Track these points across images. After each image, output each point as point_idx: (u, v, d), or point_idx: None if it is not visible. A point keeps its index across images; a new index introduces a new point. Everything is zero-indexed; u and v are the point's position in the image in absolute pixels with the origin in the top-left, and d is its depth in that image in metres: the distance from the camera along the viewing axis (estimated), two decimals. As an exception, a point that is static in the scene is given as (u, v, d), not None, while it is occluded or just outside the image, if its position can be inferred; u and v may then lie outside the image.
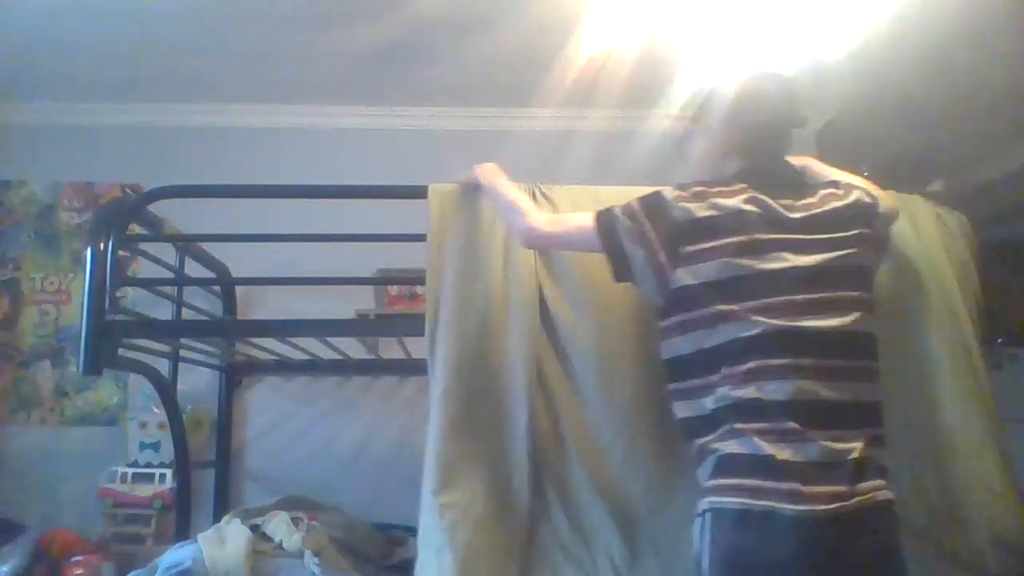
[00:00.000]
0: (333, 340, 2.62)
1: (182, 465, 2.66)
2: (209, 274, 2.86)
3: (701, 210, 1.50)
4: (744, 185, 1.54)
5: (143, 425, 2.94)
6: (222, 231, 2.32)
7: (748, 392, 1.40)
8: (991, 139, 3.76)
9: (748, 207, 1.50)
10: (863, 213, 1.60)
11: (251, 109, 3.25)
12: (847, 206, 1.59)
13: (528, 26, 2.53)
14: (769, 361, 1.41)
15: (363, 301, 2.84)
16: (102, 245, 1.95)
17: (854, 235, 1.54)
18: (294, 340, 2.55)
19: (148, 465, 2.89)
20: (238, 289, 3.01)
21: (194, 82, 3.08)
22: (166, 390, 2.60)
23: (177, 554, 2.04)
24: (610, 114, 3.19)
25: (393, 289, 3.07)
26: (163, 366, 2.76)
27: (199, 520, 2.60)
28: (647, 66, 2.70)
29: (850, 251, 1.52)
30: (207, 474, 2.95)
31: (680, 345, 1.52)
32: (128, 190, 3.13)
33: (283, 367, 2.94)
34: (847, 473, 1.35)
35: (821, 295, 1.46)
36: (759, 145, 1.67)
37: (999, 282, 3.99)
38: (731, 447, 1.40)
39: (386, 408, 3.09)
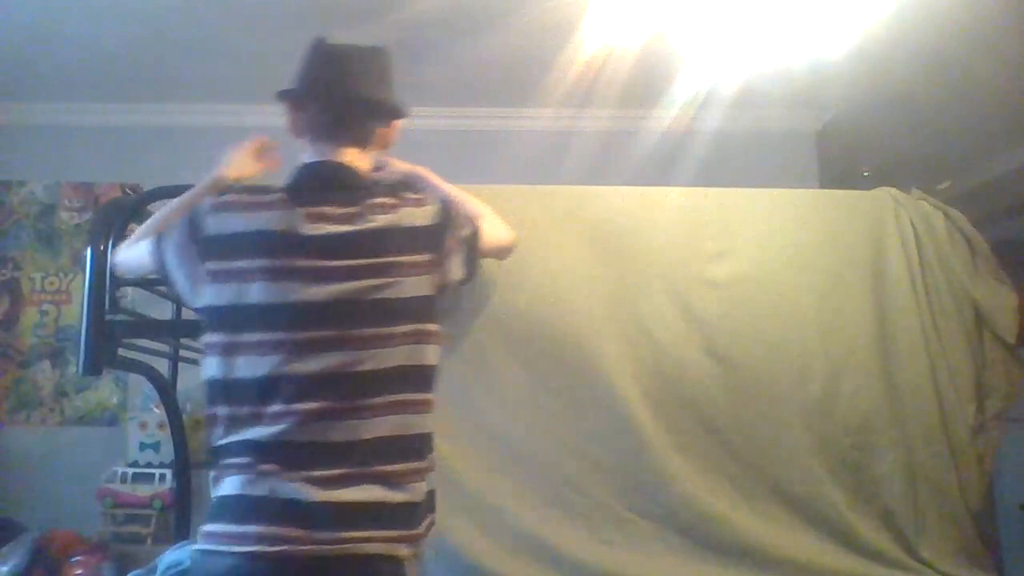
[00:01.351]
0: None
1: (182, 465, 2.66)
2: (209, 274, 2.85)
3: (227, 224, 1.34)
4: (282, 193, 1.36)
5: (143, 425, 2.94)
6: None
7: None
8: (991, 139, 3.77)
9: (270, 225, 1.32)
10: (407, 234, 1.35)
11: (251, 109, 3.24)
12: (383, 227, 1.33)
13: (528, 26, 2.53)
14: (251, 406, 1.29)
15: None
16: (102, 245, 1.95)
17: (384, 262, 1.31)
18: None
19: (148, 465, 2.89)
20: (238, 289, 3.01)
21: (194, 82, 3.08)
22: (166, 390, 2.59)
23: (177, 554, 2.04)
24: (610, 114, 3.19)
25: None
26: (163, 366, 2.75)
27: (199, 520, 2.60)
28: (647, 66, 2.70)
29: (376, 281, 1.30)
30: (207, 474, 2.94)
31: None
32: (128, 190, 3.13)
33: (283, 367, 2.93)
34: (323, 517, 1.21)
35: (326, 333, 1.28)
36: (312, 133, 1.46)
37: (999, 282, 4.01)
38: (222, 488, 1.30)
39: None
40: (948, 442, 1.97)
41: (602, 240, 1.98)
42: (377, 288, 1.30)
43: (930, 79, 2.96)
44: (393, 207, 1.35)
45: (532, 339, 1.92)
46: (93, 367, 1.89)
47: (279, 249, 1.31)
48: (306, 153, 1.45)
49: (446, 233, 1.40)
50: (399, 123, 1.51)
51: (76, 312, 3.04)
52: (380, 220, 1.33)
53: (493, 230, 1.60)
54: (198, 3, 2.51)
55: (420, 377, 1.34)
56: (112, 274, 1.75)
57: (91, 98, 3.18)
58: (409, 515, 1.28)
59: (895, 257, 2.05)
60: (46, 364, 3.13)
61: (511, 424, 1.89)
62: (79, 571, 2.39)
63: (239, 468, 1.28)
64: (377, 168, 1.54)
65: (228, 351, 1.30)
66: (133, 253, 1.54)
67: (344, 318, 1.29)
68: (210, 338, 1.32)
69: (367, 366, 1.28)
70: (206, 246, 1.34)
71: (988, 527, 3.64)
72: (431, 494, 1.35)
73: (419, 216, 1.37)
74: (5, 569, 2.38)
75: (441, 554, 1.72)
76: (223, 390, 1.31)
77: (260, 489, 1.25)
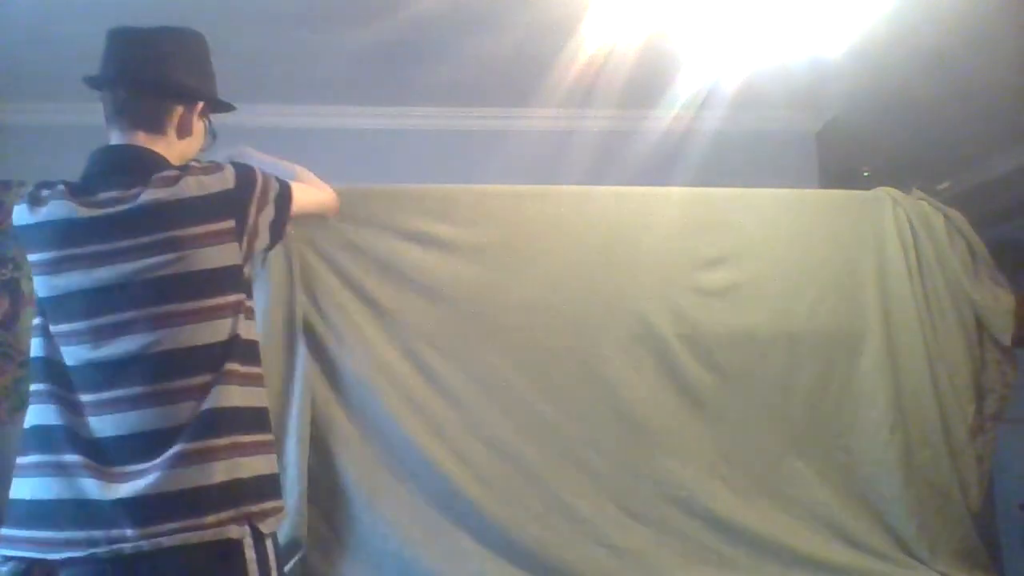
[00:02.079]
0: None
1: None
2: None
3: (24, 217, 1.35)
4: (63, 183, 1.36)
5: (143, 425, 2.94)
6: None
7: None
8: (991, 139, 3.77)
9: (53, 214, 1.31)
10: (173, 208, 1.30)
11: (251, 109, 3.23)
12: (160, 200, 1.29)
13: (528, 26, 2.52)
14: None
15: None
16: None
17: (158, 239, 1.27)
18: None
19: (148, 465, 2.89)
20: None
21: (194, 82, 3.07)
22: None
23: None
24: (610, 114, 3.19)
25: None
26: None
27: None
28: (647, 66, 2.70)
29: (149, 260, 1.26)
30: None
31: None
32: (128, 190, 3.14)
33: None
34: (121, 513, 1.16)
35: (122, 316, 1.25)
36: (106, 120, 1.46)
37: (999, 282, 4.01)
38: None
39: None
40: (948, 443, 1.97)
41: (601, 240, 1.98)
42: (165, 264, 1.25)
43: (930, 79, 2.96)
44: (175, 179, 1.30)
45: (529, 340, 1.92)
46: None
47: (59, 239, 1.29)
48: None
49: (247, 196, 1.36)
50: (199, 107, 1.48)
51: (76, 312, 3.04)
52: (158, 195, 1.28)
53: (306, 190, 1.57)
54: (198, 3, 2.51)
55: (228, 353, 1.27)
56: None
57: (91, 98, 3.14)
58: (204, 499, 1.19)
59: (894, 257, 2.05)
60: (46, 364, 3.13)
61: (510, 433, 1.88)
62: (79, 571, 2.39)
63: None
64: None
65: (47, 336, 1.33)
66: None
67: (137, 299, 1.25)
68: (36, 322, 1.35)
69: (165, 346, 1.24)
70: (18, 238, 1.37)
71: (988, 527, 3.65)
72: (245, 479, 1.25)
73: (208, 184, 1.32)
74: (5, 569, 2.37)
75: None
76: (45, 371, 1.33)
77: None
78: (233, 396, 1.26)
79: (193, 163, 1.38)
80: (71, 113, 3.27)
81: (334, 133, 3.28)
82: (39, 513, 1.22)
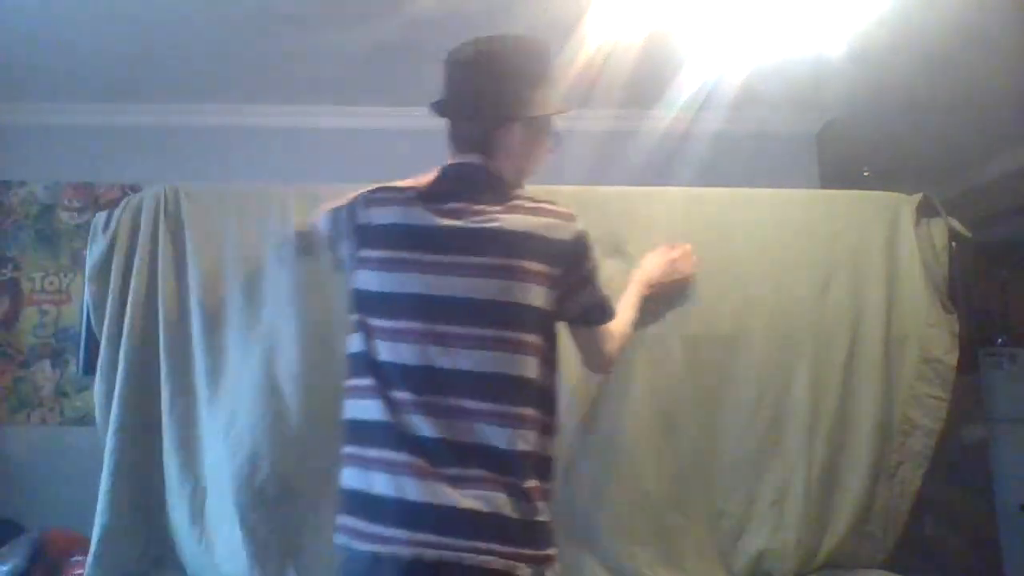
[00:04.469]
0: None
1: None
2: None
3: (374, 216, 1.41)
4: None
5: (143, 425, 2.93)
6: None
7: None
8: (991, 139, 3.77)
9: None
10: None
11: (251, 109, 3.25)
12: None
13: (528, 26, 2.52)
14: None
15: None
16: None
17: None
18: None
19: (148, 465, 2.89)
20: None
21: (195, 82, 3.08)
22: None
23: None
24: (610, 114, 3.19)
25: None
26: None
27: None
28: (647, 66, 2.70)
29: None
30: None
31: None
32: (128, 190, 3.13)
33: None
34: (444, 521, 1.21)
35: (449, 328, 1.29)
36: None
37: (999, 282, 4.01)
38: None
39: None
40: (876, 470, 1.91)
41: (601, 241, 1.97)
42: (501, 289, 1.29)
43: (930, 80, 2.96)
44: (529, 210, 1.36)
45: None
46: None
47: (410, 242, 1.34)
48: None
49: (582, 258, 1.39)
50: (536, 119, 1.44)
51: (76, 312, 3.03)
52: (509, 221, 1.33)
53: (616, 329, 1.54)
54: (198, 3, 2.51)
55: (532, 392, 1.31)
56: None
57: (91, 98, 3.18)
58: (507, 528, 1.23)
59: (905, 259, 1.98)
60: (46, 364, 3.13)
61: None
62: (79, 571, 2.39)
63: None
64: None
65: (368, 333, 1.33)
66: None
67: (477, 316, 1.29)
68: (352, 317, 1.38)
69: (495, 369, 1.27)
70: (360, 234, 1.41)
71: (988, 527, 3.65)
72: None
73: (554, 227, 1.35)
74: (5, 569, 2.38)
75: None
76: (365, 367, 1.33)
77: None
78: (530, 440, 1.28)
79: (547, 204, 1.40)
80: (71, 113, 3.28)
81: (334, 133, 3.29)
82: (362, 505, 1.27)
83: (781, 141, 3.46)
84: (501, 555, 1.19)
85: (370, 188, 1.46)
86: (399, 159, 3.14)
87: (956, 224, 2.02)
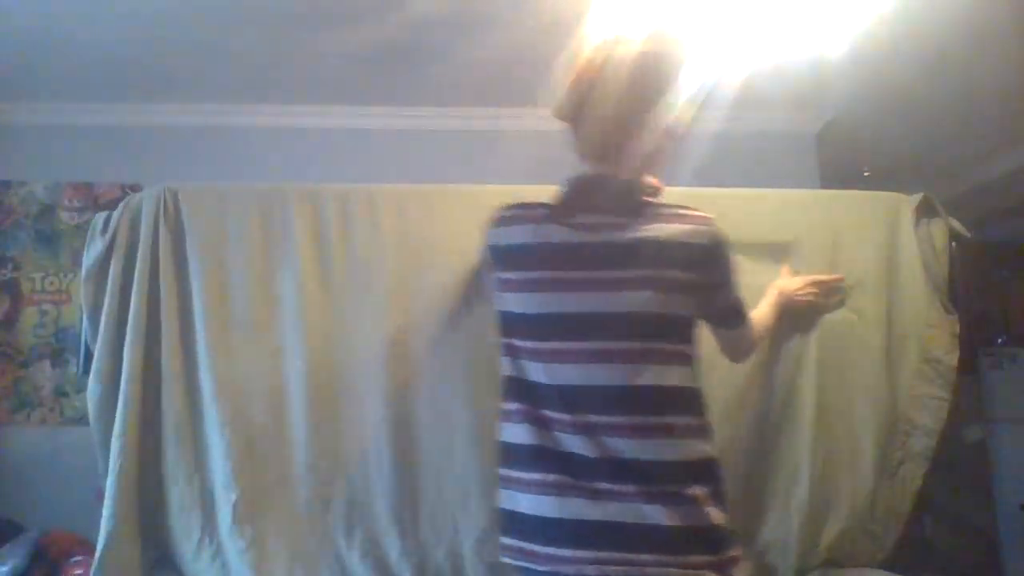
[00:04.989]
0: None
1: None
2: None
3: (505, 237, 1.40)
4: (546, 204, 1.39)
5: (143, 425, 2.93)
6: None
7: None
8: (991, 139, 3.77)
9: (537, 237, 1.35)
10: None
11: (251, 109, 3.25)
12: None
13: (528, 26, 2.53)
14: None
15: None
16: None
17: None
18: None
19: (148, 465, 2.89)
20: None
21: (194, 82, 3.08)
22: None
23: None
24: (610, 114, 3.19)
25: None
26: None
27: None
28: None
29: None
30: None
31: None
32: (128, 190, 3.13)
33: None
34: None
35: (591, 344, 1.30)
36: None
37: (999, 282, 4.01)
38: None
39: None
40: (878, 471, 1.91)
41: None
42: (652, 301, 1.28)
43: (930, 80, 2.96)
44: (666, 217, 1.34)
45: None
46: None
47: (550, 261, 1.32)
48: None
49: (721, 261, 1.38)
50: (647, 134, 1.43)
51: (76, 312, 3.04)
52: (649, 231, 1.31)
53: (753, 331, 1.60)
54: (198, 3, 2.51)
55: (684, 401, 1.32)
56: None
57: (91, 98, 3.18)
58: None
59: (907, 261, 1.97)
60: (46, 364, 3.13)
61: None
62: (79, 571, 2.39)
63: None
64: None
65: (516, 354, 1.34)
66: None
67: (627, 330, 1.28)
68: (501, 340, 1.38)
69: (657, 381, 1.28)
70: (496, 256, 1.40)
71: (988, 527, 3.65)
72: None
73: (692, 235, 1.33)
74: (5, 569, 2.38)
75: None
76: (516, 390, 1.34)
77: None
78: (689, 448, 1.29)
79: (682, 209, 1.38)
80: (71, 113, 3.28)
81: (334, 133, 3.29)
82: (532, 528, 1.27)
83: (781, 141, 3.45)
84: (682, 566, 1.20)
85: (500, 208, 1.43)
86: (400, 159, 3.16)
87: (956, 224, 2.01)
